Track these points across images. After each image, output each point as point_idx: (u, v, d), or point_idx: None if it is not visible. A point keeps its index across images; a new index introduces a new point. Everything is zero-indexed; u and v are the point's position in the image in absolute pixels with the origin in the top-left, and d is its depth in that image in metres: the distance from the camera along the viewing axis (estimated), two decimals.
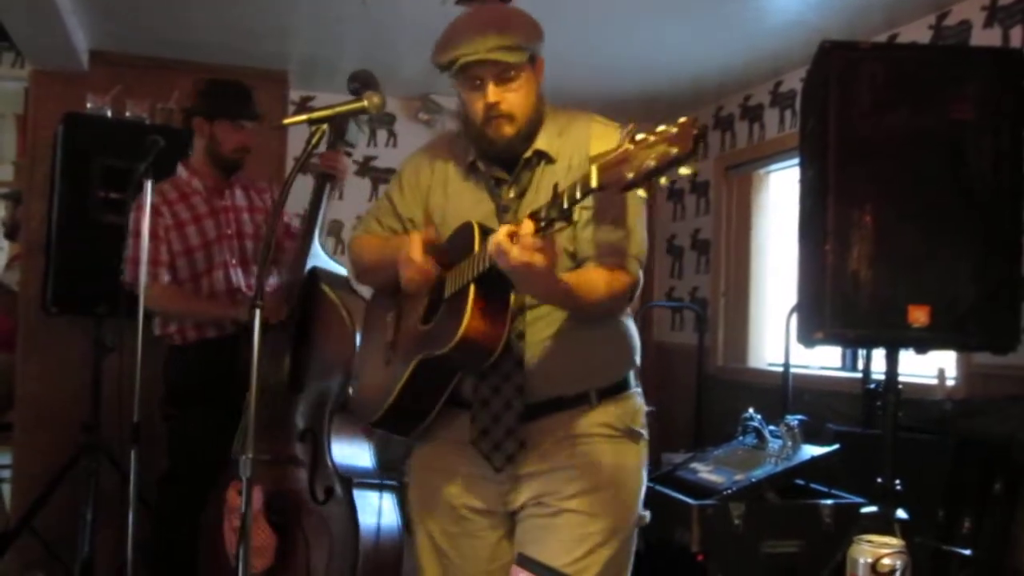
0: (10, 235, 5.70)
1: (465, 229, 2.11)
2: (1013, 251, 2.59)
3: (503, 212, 2.19)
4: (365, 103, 2.40)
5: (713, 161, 5.67)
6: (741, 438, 3.88)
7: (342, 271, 3.48)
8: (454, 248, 2.13)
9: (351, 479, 3.10)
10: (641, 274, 2.19)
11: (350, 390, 3.57)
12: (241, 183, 3.91)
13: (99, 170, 4.20)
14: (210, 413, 3.31)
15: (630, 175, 1.67)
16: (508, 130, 2.17)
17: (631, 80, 5.18)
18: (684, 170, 1.64)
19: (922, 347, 2.68)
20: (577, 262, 2.17)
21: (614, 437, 2.22)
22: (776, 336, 5.14)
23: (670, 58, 4.80)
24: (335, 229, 5.67)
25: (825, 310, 2.58)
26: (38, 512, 4.13)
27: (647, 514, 2.30)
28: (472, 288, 1.98)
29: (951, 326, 2.55)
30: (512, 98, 2.15)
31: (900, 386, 2.74)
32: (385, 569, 3.11)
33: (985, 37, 3.76)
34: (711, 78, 5.18)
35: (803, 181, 2.89)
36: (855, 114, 2.60)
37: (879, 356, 2.92)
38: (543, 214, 1.83)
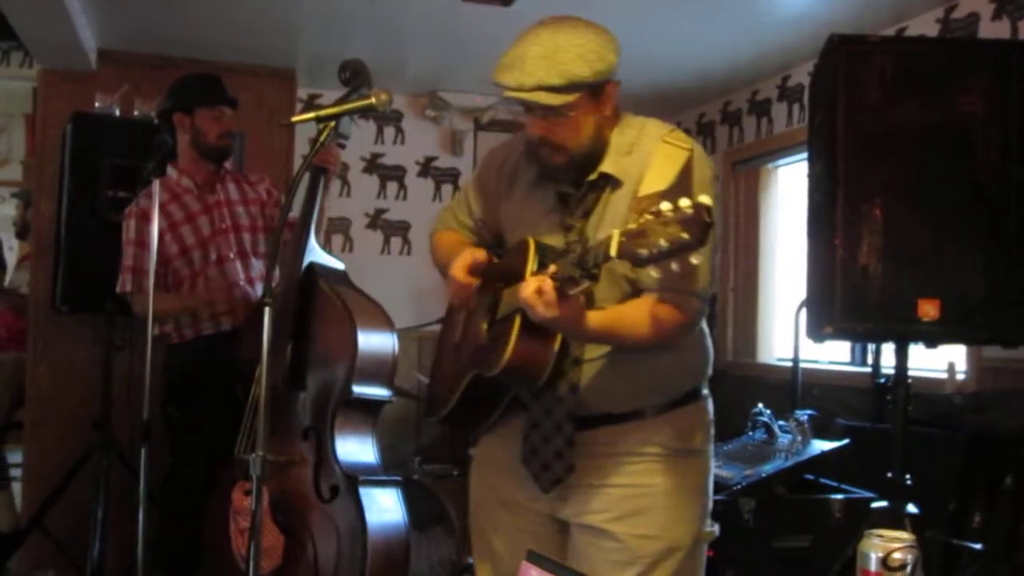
0: (21, 235, 5.71)
1: (522, 247, 2.06)
2: (1022, 244, 2.58)
3: (567, 231, 2.14)
4: (373, 100, 2.40)
5: (721, 156, 5.66)
6: (750, 433, 3.87)
7: (339, 265, 3.48)
8: (512, 264, 2.09)
9: (357, 476, 3.09)
10: (702, 311, 2.11)
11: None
12: (232, 176, 3.91)
13: (107, 169, 4.20)
14: (210, 410, 3.31)
15: (644, 252, 1.62)
16: (558, 159, 2.10)
17: (638, 74, 5.16)
18: (694, 259, 1.61)
19: (932, 341, 2.66)
20: (636, 291, 2.10)
21: (666, 456, 2.18)
22: (785, 331, 5.14)
23: (677, 52, 4.80)
24: (343, 227, 5.69)
25: (834, 305, 2.58)
26: (49, 510, 4.13)
27: (715, 528, 2.27)
28: (518, 319, 1.96)
29: (961, 320, 2.54)
30: (562, 132, 2.05)
31: (910, 380, 2.74)
32: (394, 566, 3.10)
33: (993, 30, 3.75)
34: (718, 72, 5.17)
35: (812, 175, 2.88)
36: (864, 108, 2.59)
37: (888, 350, 2.91)
38: (565, 273, 1.78)
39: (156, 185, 3.47)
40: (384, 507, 3.14)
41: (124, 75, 4.73)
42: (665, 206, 1.61)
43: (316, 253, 3.43)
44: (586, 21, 2.08)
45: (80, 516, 4.10)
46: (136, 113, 4.51)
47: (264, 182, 3.99)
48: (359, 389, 3.18)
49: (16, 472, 5.15)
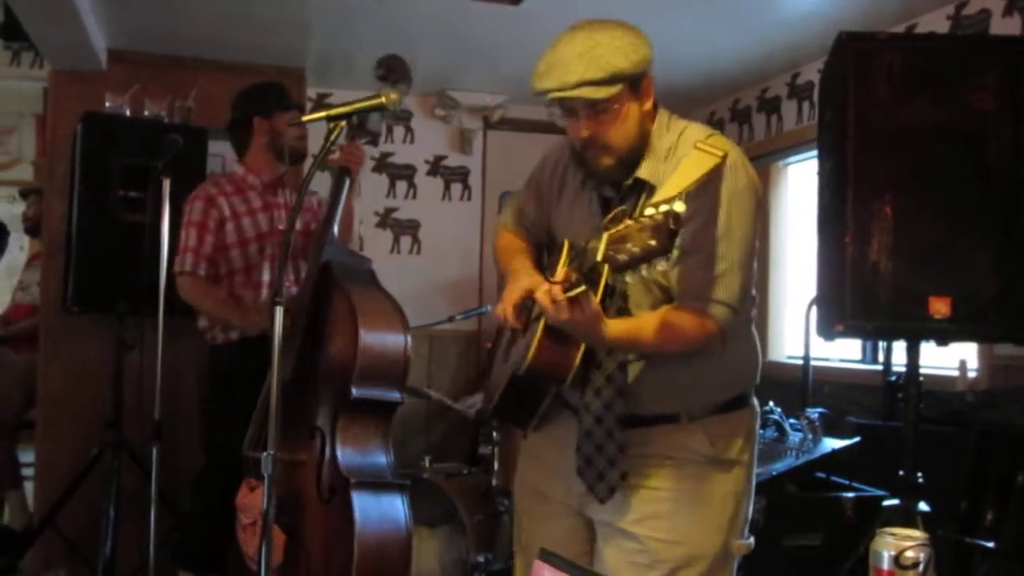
0: (31, 231, 5.73)
1: (560, 250, 2.09)
2: None
3: None
4: (383, 99, 2.41)
5: None
6: (761, 431, 3.85)
7: (364, 264, 3.47)
8: (553, 266, 2.12)
9: (350, 479, 3.06)
10: (732, 320, 2.07)
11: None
12: (291, 183, 4.02)
13: (118, 169, 4.22)
14: (245, 409, 3.34)
15: (622, 258, 1.62)
16: (606, 160, 2.11)
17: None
18: (661, 266, 1.61)
19: (943, 339, 2.65)
20: (669, 298, 2.10)
21: (696, 463, 2.16)
22: (796, 329, 5.12)
23: (686, 50, 4.79)
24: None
25: (845, 302, 2.57)
26: (60, 509, 4.15)
27: (749, 541, 2.24)
28: (542, 321, 1.96)
29: (972, 317, 2.52)
30: (608, 130, 2.07)
31: (921, 378, 2.73)
32: (388, 568, 3.06)
33: (1004, 26, 3.74)
34: (728, 70, 5.17)
35: (822, 173, 2.88)
36: (874, 105, 2.58)
37: (899, 348, 2.90)
38: (573, 278, 1.78)
39: (167, 183, 3.51)
40: (380, 511, 3.10)
41: (134, 75, 4.75)
42: (648, 211, 1.62)
43: (338, 252, 3.44)
44: (616, 20, 2.11)
45: (92, 515, 4.12)
46: (146, 113, 4.53)
47: (316, 195, 4.07)
48: (360, 391, 3.14)
49: (28, 471, 5.17)
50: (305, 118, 2.52)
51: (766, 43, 4.66)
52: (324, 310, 3.30)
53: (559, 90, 2.01)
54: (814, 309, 3.29)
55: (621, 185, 2.15)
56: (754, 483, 2.29)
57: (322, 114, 2.39)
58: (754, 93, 5.46)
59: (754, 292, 2.27)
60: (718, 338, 2.07)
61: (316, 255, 3.42)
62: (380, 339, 3.20)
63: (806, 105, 4.99)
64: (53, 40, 4.37)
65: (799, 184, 5.46)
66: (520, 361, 2.03)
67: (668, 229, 1.58)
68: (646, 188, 2.09)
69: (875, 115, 2.58)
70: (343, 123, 2.37)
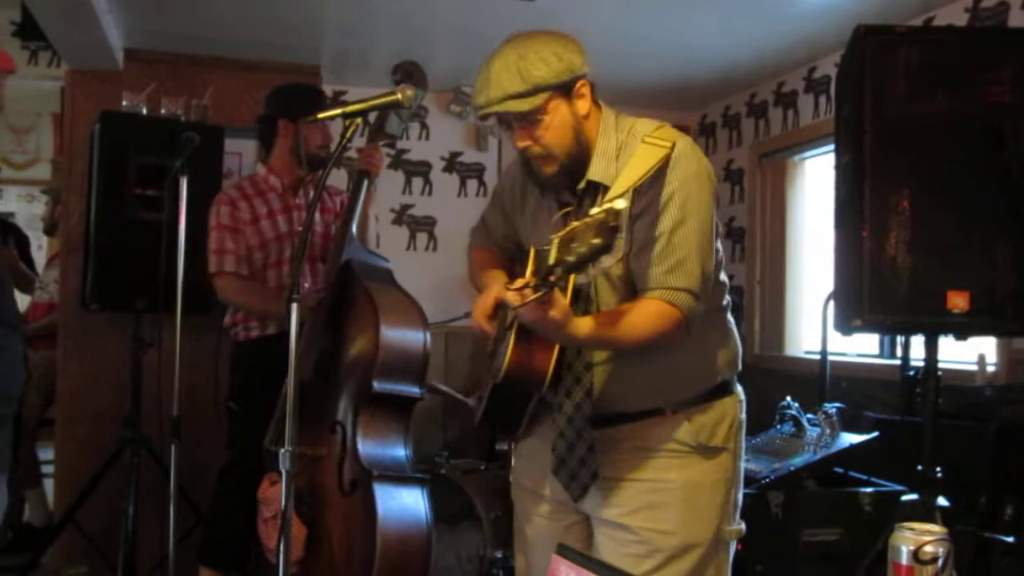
0: (49, 231, 5.76)
1: (526, 257, 2.12)
2: None
3: None
4: (398, 95, 2.41)
5: (747, 149, 5.64)
6: (778, 426, 3.86)
7: (383, 264, 3.51)
8: (522, 274, 2.13)
9: (372, 471, 3.10)
10: (695, 306, 2.06)
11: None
12: (315, 184, 4.02)
13: (135, 167, 4.23)
14: (267, 407, 3.36)
15: (571, 259, 1.62)
16: (549, 168, 2.14)
17: (663, 67, 5.16)
18: (607, 262, 1.61)
19: (962, 333, 2.64)
20: (633, 294, 2.11)
21: (683, 453, 2.20)
22: (813, 324, 5.11)
23: (702, 44, 4.78)
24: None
25: (863, 297, 2.56)
26: (81, 507, 4.18)
27: (741, 526, 2.27)
28: (515, 327, 1.99)
29: (991, 311, 2.51)
30: (544, 137, 2.10)
31: (939, 372, 2.72)
32: (409, 563, 3.09)
33: (1023, 19, 3.71)
34: (744, 64, 5.15)
35: (839, 167, 2.87)
36: (891, 99, 2.57)
37: (917, 342, 2.89)
38: (532, 283, 1.75)
39: (184, 181, 3.54)
40: (402, 503, 3.14)
41: (150, 74, 4.77)
42: (593, 210, 1.63)
43: (357, 251, 3.47)
44: (547, 30, 2.14)
45: (111, 512, 4.15)
46: (163, 111, 4.55)
47: (340, 195, 4.13)
48: (381, 385, 3.19)
49: (48, 469, 5.21)
50: (321, 115, 2.52)
51: (783, 37, 4.64)
52: (345, 307, 3.34)
53: (487, 106, 2.06)
54: (831, 304, 3.27)
55: (576, 190, 2.16)
56: (743, 468, 2.32)
57: (337, 111, 2.39)
58: (770, 87, 5.44)
59: (725, 278, 2.29)
60: (683, 325, 2.06)
61: (336, 254, 3.46)
62: (400, 335, 3.24)
63: (823, 99, 4.97)
64: (70, 40, 4.39)
65: (816, 179, 5.45)
66: (497, 371, 2.06)
67: (609, 226, 1.58)
68: (600, 189, 2.11)
69: (892, 109, 2.57)
70: (359, 120, 2.37)
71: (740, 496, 2.30)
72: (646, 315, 2.03)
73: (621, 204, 1.60)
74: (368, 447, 3.19)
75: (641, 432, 2.20)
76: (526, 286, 1.75)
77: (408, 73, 3.43)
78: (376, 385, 3.18)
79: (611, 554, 2.20)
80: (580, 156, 2.14)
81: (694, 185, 2.08)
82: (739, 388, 2.34)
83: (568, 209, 1.98)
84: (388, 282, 3.44)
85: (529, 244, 2.28)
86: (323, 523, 3.16)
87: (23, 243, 5.81)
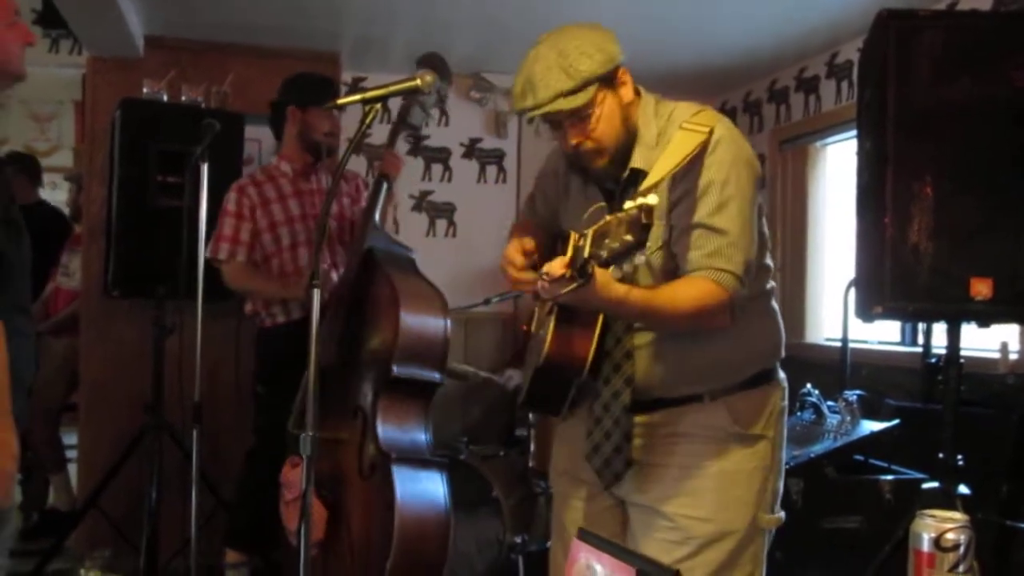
0: (74, 218, 5.79)
1: (567, 242, 2.11)
2: None
3: None
4: (418, 82, 2.41)
5: (768, 134, 5.61)
6: (799, 414, 3.85)
7: (406, 252, 3.54)
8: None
9: (391, 454, 3.12)
10: (739, 289, 2.03)
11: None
12: (328, 169, 4.12)
13: (156, 154, 4.25)
14: (291, 392, 3.39)
15: (604, 254, 1.62)
16: (600, 162, 2.15)
17: (684, 52, 5.13)
18: (639, 259, 1.61)
19: (984, 320, 2.63)
20: (678, 273, 2.09)
21: (720, 439, 2.18)
22: (834, 310, 5.09)
23: (724, 29, 4.75)
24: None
25: (884, 284, 2.55)
26: (104, 491, 4.21)
27: (780, 515, 2.25)
28: (555, 312, 2.00)
29: (1014, 299, 2.49)
30: (596, 130, 2.10)
31: (962, 360, 2.70)
32: (427, 546, 3.10)
33: None
34: (765, 49, 5.12)
35: (861, 153, 2.85)
36: (914, 84, 2.55)
37: (939, 330, 2.87)
38: (567, 273, 1.74)
39: (205, 168, 3.59)
40: (420, 487, 3.16)
41: (171, 61, 4.79)
42: (627, 205, 1.61)
43: (380, 240, 3.52)
44: (574, 24, 2.13)
45: (134, 497, 4.18)
46: (183, 98, 4.56)
47: (356, 179, 4.22)
48: (401, 370, 3.21)
49: (71, 454, 5.25)
50: (340, 100, 2.52)
51: (805, 22, 4.61)
52: (367, 293, 3.38)
53: (537, 107, 2.05)
54: (852, 291, 3.26)
55: (620, 177, 2.16)
56: (783, 458, 2.29)
57: (357, 97, 2.39)
58: (792, 73, 5.41)
59: (769, 262, 2.27)
60: (726, 307, 2.04)
61: (359, 242, 3.50)
62: (421, 320, 3.27)
63: (845, 84, 4.94)
64: (91, 27, 4.41)
65: (838, 165, 5.42)
66: (539, 354, 2.08)
67: (641, 224, 1.57)
68: (642, 176, 2.07)
69: (916, 94, 2.55)
70: (378, 106, 2.37)
71: (780, 485, 2.26)
72: (690, 290, 2.01)
73: (653, 200, 1.59)
74: (387, 431, 3.20)
75: (678, 418, 2.19)
76: (562, 276, 1.74)
77: (432, 65, 3.45)
78: (396, 369, 3.19)
79: (645, 540, 2.19)
80: (628, 143, 2.14)
81: (732, 171, 2.07)
82: (782, 375, 2.31)
83: (601, 205, 1.97)
84: (410, 270, 3.47)
85: (569, 229, 2.27)
86: (343, 506, 3.19)
87: (64, 235, 5.81)
